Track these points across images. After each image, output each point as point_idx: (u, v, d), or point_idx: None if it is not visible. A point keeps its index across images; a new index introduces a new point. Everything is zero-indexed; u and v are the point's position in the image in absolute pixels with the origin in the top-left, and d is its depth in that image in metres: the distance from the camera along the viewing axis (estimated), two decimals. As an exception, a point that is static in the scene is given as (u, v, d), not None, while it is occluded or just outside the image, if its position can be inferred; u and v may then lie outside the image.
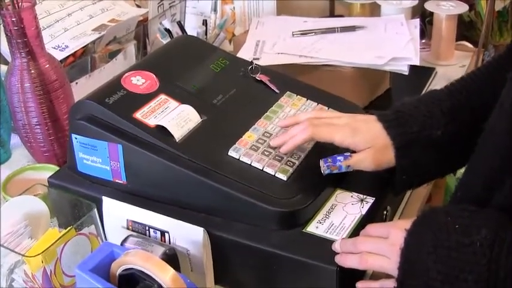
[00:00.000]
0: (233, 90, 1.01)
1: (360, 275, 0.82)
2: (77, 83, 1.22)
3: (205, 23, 1.44)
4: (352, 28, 1.35)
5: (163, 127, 0.88)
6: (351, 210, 0.85)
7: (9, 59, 1.11)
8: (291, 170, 0.87)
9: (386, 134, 0.85)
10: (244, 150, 0.89)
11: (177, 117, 0.90)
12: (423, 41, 1.51)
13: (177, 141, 0.88)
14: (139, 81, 0.95)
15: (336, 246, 0.78)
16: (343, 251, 0.77)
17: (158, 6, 1.46)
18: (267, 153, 0.89)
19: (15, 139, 1.20)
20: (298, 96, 1.03)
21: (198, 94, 0.97)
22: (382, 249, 0.74)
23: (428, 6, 1.51)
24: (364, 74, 1.25)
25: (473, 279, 0.65)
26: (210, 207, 0.86)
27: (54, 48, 1.25)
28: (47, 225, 0.90)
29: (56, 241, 0.81)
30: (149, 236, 0.84)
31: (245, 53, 1.29)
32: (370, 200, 0.87)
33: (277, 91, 1.03)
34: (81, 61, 1.30)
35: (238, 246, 0.82)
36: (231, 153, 0.88)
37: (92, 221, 0.87)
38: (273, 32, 1.39)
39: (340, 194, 0.89)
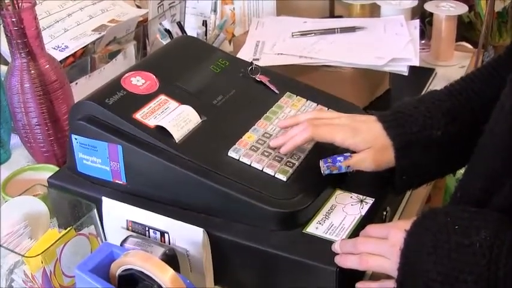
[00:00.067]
0: (233, 90, 1.01)
1: (359, 275, 0.82)
2: (76, 83, 1.22)
3: (205, 23, 1.44)
4: (351, 29, 1.35)
5: (163, 128, 0.88)
6: (350, 210, 0.86)
7: (9, 59, 1.11)
8: (290, 170, 0.87)
9: (386, 134, 0.85)
10: (244, 151, 0.89)
11: (177, 118, 0.90)
12: (423, 41, 1.51)
13: (176, 141, 0.88)
14: (139, 82, 0.95)
15: (336, 247, 0.78)
16: (343, 252, 0.77)
17: (158, 7, 1.46)
18: (266, 153, 0.89)
19: (15, 139, 1.20)
20: (298, 97, 1.03)
21: (198, 95, 0.97)
22: (382, 249, 0.74)
23: (428, 7, 1.51)
24: (364, 75, 1.25)
25: (473, 280, 0.65)
26: (209, 208, 0.86)
27: (54, 48, 1.25)
28: (46, 225, 0.90)
29: (55, 241, 0.81)
30: (149, 237, 0.84)
31: (245, 54, 1.29)
32: (370, 200, 0.87)
33: (277, 92, 1.03)
34: (81, 61, 1.30)
35: (237, 247, 0.82)
36: (231, 153, 0.89)
37: (92, 222, 0.87)
38: (272, 32, 1.39)
39: (340, 194, 0.89)
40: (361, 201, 0.87)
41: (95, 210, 0.87)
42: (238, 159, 0.88)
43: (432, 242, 0.69)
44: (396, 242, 0.72)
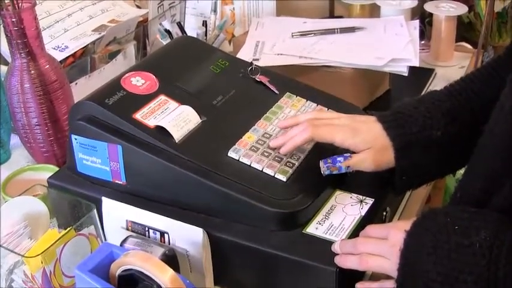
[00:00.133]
0: (233, 91, 1.01)
1: (359, 275, 0.82)
2: (76, 83, 1.22)
3: (205, 23, 1.44)
4: (351, 29, 1.35)
5: (163, 128, 0.88)
6: (350, 211, 0.86)
7: (9, 59, 1.11)
8: (290, 171, 0.87)
9: (386, 134, 0.85)
10: (243, 151, 0.89)
11: (177, 118, 0.90)
12: (423, 42, 1.51)
13: (176, 142, 0.88)
14: (139, 82, 0.95)
15: (336, 247, 0.78)
16: (343, 252, 0.77)
17: (158, 7, 1.46)
18: (266, 154, 0.89)
19: (15, 139, 1.20)
20: (298, 97, 1.03)
21: (197, 95, 0.97)
22: (381, 250, 0.74)
23: (427, 7, 1.51)
24: (364, 75, 1.25)
25: (473, 280, 0.65)
26: (209, 208, 0.86)
27: (54, 48, 1.25)
28: (46, 225, 0.90)
29: (55, 242, 0.81)
30: (149, 237, 0.84)
31: (245, 54, 1.29)
32: (370, 201, 0.87)
33: (276, 92, 1.03)
34: (81, 62, 1.30)
35: (237, 247, 0.82)
36: (231, 154, 0.89)
37: (92, 222, 0.87)
38: (272, 32, 1.39)
39: (340, 195, 0.89)
40: (361, 201, 0.87)
41: (95, 210, 0.87)
42: (238, 160, 0.88)
43: (432, 242, 0.69)
44: (396, 242, 0.72)
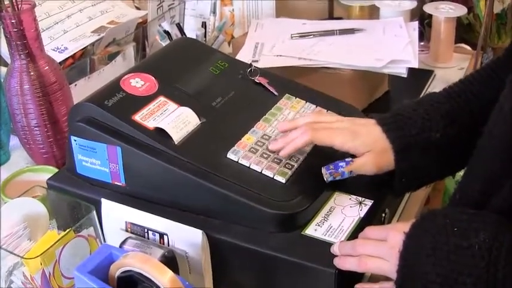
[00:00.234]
0: (232, 92, 1.01)
1: (358, 277, 0.82)
2: (76, 85, 1.22)
3: (204, 25, 1.44)
4: (351, 30, 1.35)
5: (162, 129, 0.88)
6: (349, 212, 0.86)
7: (8, 60, 1.11)
8: (289, 172, 0.87)
9: (386, 137, 0.85)
10: (243, 153, 0.89)
11: (176, 120, 0.90)
12: (422, 43, 1.51)
13: (176, 143, 0.88)
14: (139, 84, 0.95)
15: (335, 249, 0.78)
16: (342, 254, 0.77)
17: (157, 8, 1.46)
18: (265, 155, 0.89)
19: (14, 141, 1.20)
20: (297, 98, 1.03)
21: (197, 96, 0.97)
22: (381, 252, 0.74)
23: (427, 8, 1.51)
24: (363, 77, 1.25)
25: (472, 282, 0.65)
26: (208, 210, 0.86)
27: (54, 50, 1.25)
28: (45, 227, 0.90)
29: (54, 243, 0.81)
30: (148, 238, 0.84)
31: (244, 55, 1.29)
32: (369, 202, 0.87)
33: (276, 93, 1.03)
34: (80, 63, 1.30)
35: (236, 249, 0.82)
36: (230, 155, 0.89)
37: (91, 223, 0.87)
38: (271, 34, 1.39)
39: (339, 196, 0.89)
40: (360, 203, 0.87)
41: (94, 211, 0.87)
42: (237, 161, 0.88)
43: (431, 244, 0.69)
44: (395, 244, 0.72)
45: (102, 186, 0.93)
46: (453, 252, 0.67)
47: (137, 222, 0.85)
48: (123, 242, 0.82)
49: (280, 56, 1.29)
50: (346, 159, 0.86)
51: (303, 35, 1.35)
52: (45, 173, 1.06)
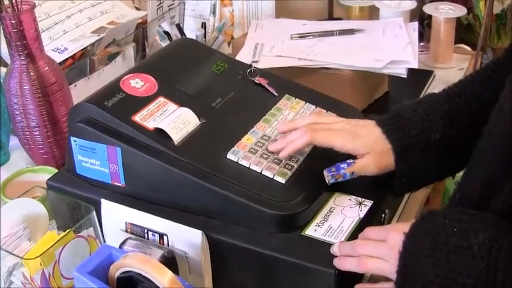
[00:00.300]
0: (232, 93, 1.01)
1: (358, 278, 0.82)
2: (75, 85, 1.22)
3: (204, 25, 1.44)
4: (350, 31, 1.36)
5: (162, 130, 0.88)
6: (349, 213, 0.86)
7: (8, 61, 1.11)
8: (289, 173, 0.87)
9: (386, 138, 0.85)
10: (242, 153, 0.89)
11: (176, 120, 0.90)
12: (421, 44, 1.51)
13: (175, 144, 0.88)
14: (138, 84, 0.96)
15: (335, 250, 0.78)
16: (342, 254, 0.77)
17: (157, 9, 1.46)
18: (265, 156, 0.89)
19: (14, 141, 1.20)
20: (297, 99, 1.03)
21: (196, 97, 0.97)
22: (380, 252, 0.74)
23: (426, 9, 1.51)
24: (363, 77, 1.25)
25: (472, 283, 0.65)
26: (208, 210, 0.86)
27: (53, 50, 1.25)
28: (45, 227, 0.90)
29: (54, 243, 0.81)
30: (148, 239, 0.84)
31: (244, 56, 1.29)
32: (368, 203, 0.87)
33: (275, 94, 1.03)
34: (80, 63, 1.30)
35: (236, 249, 0.82)
36: (230, 156, 0.89)
37: (91, 224, 0.87)
38: (271, 34, 1.39)
39: (339, 197, 0.89)
40: (360, 203, 0.87)
41: (94, 212, 0.87)
42: (237, 162, 0.88)
43: (431, 244, 0.69)
44: (395, 244, 0.72)
45: (102, 187, 0.93)
46: (453, 252, 0.67)
47: (137, 222, 0.85)
48: (123, 243, 0.82)
49: (280, 56, 1.29)
50: (348, 161, 0.86)
51: (302, 36, 1.35)
52: (45, 173, 1.06)
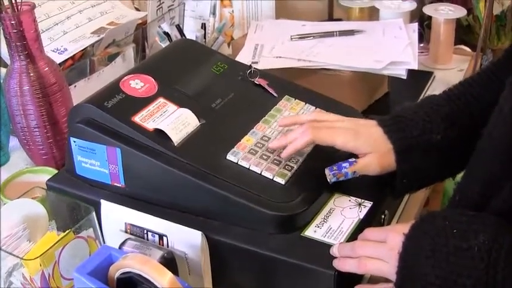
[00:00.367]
0: (231, 94, 1.01)
1: (357, 279, 0.82)
2: (75, 86, 1.22)
3: (204, 26, 1.44)
4: (350, 32, 1.36)
5: (161, 131, 0.88)
6: (348, 214, 0.86)
7: (8, 62, 1.11)
8: (289, 174, 0.87)
9: (387, 138, 0.85)
10: (242, 154, 0.89)
11: (176, 121, 0.90)
12: (421, 45, 1.51)
13: (175, 145, 0.88)
14: (138, 85, 0.96)
15: (334, 251, 0.78)
16: (341, 255, 0.77)
17: (157, 10, 1.46)
18: (265, 157, 0.89)
19: (13, 142, 1.20)
20: (297, 100, 1.03)
21: (196, 98, 0.97)
22: (380, 253, 0.74)
23: (426, 10, 1.51)
24: (363, 78, 1.25)
25: (471, 284, 0.65)
26: (208, 211, 0.86)
27: (53, 51, 1.25)
28: (45, 228, 0.90)
29: (54, 244, 0.81)
30: (147, 240, 0.84)
31: (244, 57, 1.29)
32: (368, 204, 0.87)
33: (275, 95, 1.03)
34: (80, 64, 1.30)
35: (236, 250, 0.82)
36: (230, 157, 0.89)
37: (90, 224, 0.87)
38: (271, 35, 1.39)
39: (338, 198, 0.89)
40: (360, 204, 0.87)
41: (94, 213, 0.87)
42: (237, 163, 0.88)
43: (430, 245, 0.69)
44: (394, 245, 0.72)
45: (102, 188, 0.93)
46: (452, 254, 0.67)
47: (137, 223, 0.85)
48: (123, 243, 0.82)
49: (280, 57, 1.29)
50: (349, 160, 0.86)
51: (302, 37, 1.35)
52: (45, 174, 1.06)
